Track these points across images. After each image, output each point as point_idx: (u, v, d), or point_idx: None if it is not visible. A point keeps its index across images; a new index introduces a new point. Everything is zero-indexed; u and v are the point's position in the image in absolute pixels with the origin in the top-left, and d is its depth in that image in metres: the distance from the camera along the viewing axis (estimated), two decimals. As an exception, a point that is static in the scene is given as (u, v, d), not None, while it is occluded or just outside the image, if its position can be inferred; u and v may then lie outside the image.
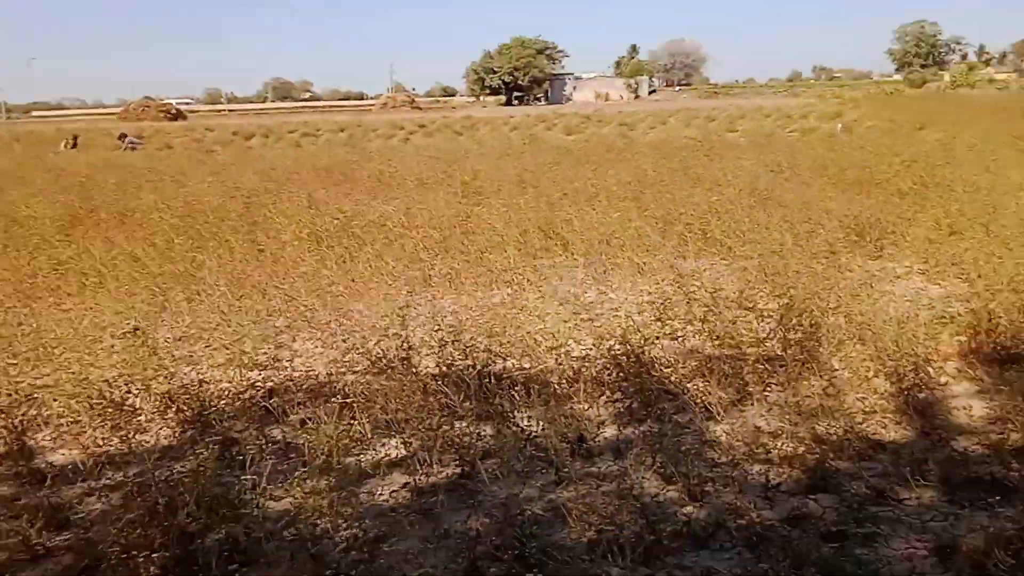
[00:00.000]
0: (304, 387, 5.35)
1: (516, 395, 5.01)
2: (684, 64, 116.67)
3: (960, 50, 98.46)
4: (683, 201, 9.97)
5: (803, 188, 10.59)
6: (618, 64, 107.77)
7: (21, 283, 7.92)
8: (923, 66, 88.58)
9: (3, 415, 4.87)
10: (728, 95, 77.93)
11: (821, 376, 5.28)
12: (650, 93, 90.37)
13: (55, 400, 5.02)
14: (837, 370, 5.39)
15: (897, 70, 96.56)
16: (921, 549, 3.51)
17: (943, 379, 5.28)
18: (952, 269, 7.16)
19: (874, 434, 4.62)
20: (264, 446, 4.52)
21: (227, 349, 5.88)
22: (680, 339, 6.03)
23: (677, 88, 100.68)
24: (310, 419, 4.86)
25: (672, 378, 5.36)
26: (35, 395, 5.07)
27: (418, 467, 4.34)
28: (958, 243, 7.52)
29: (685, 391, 5.17)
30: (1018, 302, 5.71)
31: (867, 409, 4.88)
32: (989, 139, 15.24)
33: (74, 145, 28.84)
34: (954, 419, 4.76)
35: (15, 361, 5.50)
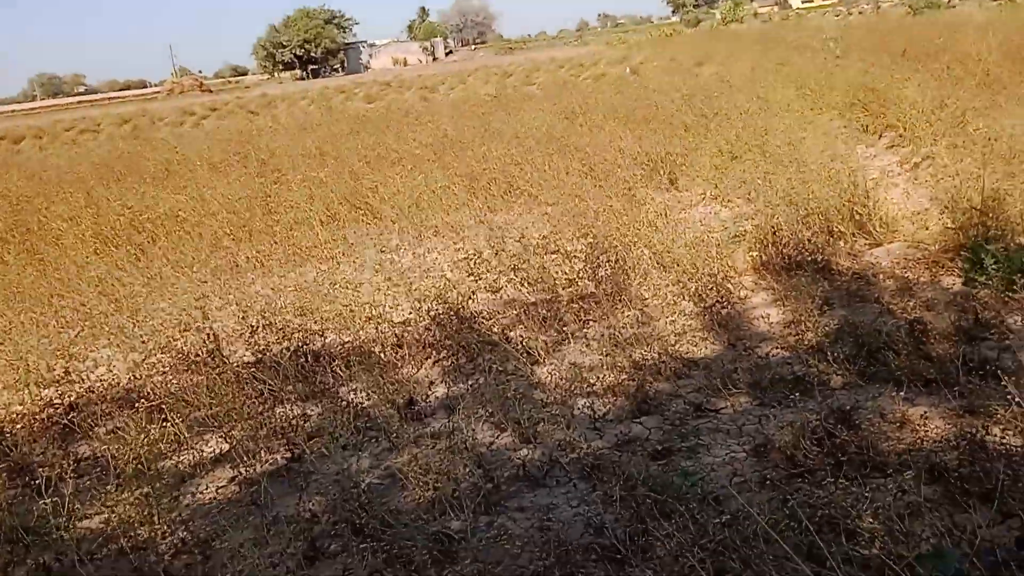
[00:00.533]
0: (107, 397, 4.93)
1: (338, 370, 4.86)
2: (475, 22, 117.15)
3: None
4: (485, 157, 10.01)
5: (597, 131, 10.93)
6: (411, 28, 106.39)
7: None
8: (696, 6, 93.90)
9: None
10: (523, 49, 79.14)
11: (632, 307, 5.50)
12: (447, 54, 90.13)
13: None
14: (647, 299, 5.64)
15: (673, 12, 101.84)
16: (740, 452, 3.75)
17: (742, 293, 5.65)
18: (737, 191, 7.65)
19: (687, 353, 4.87)
20: (67, 465, 4.12)
21: (13, 369, 5.30)
22: (497, 291, 6.10)
23: (473, 47, 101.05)
24: (119, 428, 4.49)
25: (494, 329, 5.40)
26: None
27: (243, 459, 4.12)
28: (739, 166, 8.05)
29: (507, 340, 5.23)
30: (795, 214, 6.19)
31: (678, 331, 5.15)
32: (757, 67, 16.40)
33: None
34: (755, 328, 5.11)
35: None
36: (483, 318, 5.51)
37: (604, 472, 3.66)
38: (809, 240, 5.93)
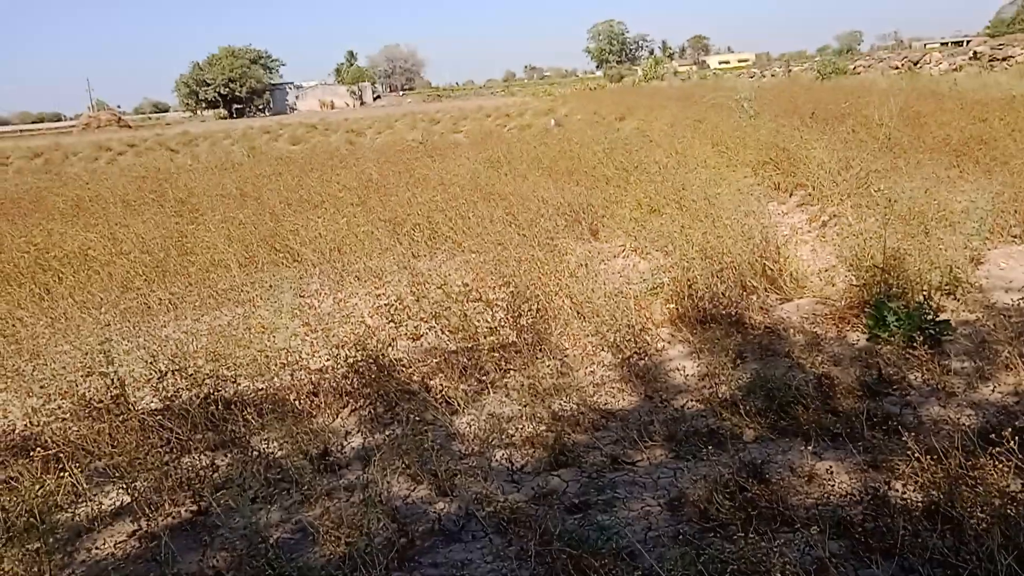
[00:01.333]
0: (1, 444, 4.64)
1: (250, 418, 4.70)
2: (404, 69, 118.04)
3: (647, 46, 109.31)
4: (410, 202, 10.00)
5: (521, 181, 11.06)
6: (339, 71, 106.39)
7: None
8: (619, 62, 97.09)
9: None
10: (450, 97, 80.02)
11: (553, 356, 5.52)
12: (375, 99, 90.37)
13: None
14: (566, 349, 5.67)
15: (597, 67, 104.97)
16: (655, 505, 3.76)
17: (659, 345, 5.74)
18: (655, 244, 7.82)
19: (605, 404, 4.90)
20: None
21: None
22: (418, 338, 6.04)
23: (401, 93, 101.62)
24: (12, 479, 4.21)
25: (414, 377, 5.33)
26: None
27: (145, 512, 3.92)
28: (658, 220, 8.24)
29: (427, 389, 5.17)
30: (710, 267, 6.35)
31: (596, 382, 5.19)
32: (676, 123, 16.95)
33: None
34: (671, 380, 5.18)
35: None
36: (403, 366, 5.43)
37: (520, 526, 3.62)
38: (723, 294, 6.09)
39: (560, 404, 4.84)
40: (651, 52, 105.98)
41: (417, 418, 4.72)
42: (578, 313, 6.02)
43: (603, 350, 5.59)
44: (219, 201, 11.51)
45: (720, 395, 4.81)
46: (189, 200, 11.92)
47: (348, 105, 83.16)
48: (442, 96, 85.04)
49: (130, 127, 65.57)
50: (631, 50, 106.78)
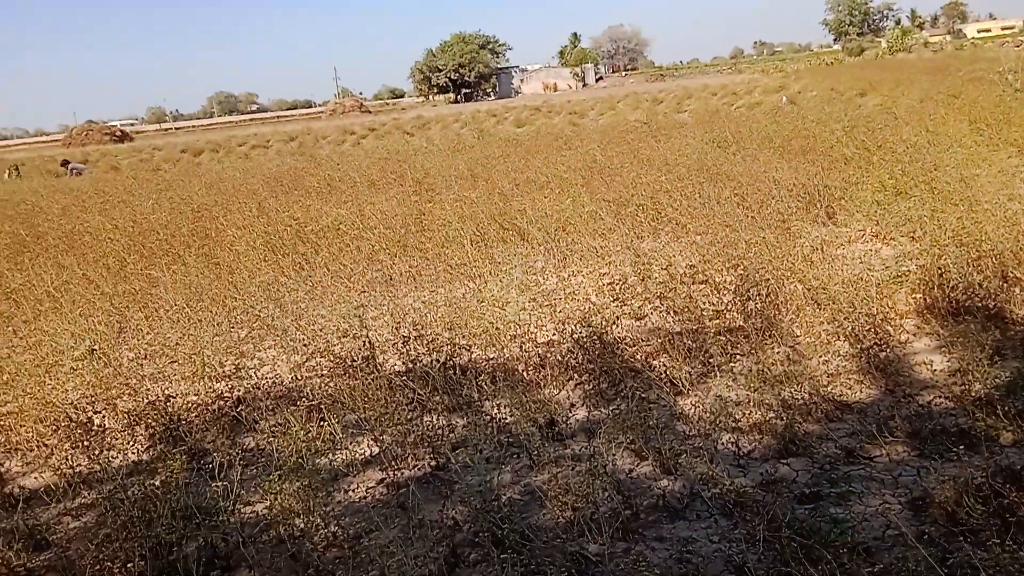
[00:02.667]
0: (271, 394, 5.29)
1: (483, 385, 5.00)
2: (627, 49, 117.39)
3: (893, 15, 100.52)
4: (634, 183, 10.02)
5: (751, 161, 10.70)
6: (562, 53, 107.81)
7: (-30, 315, 7.71)
8: (859, 34, 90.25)
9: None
10: (674, 76, 78.56)
11: (783, 343, 5.34)
12: (597, 80, 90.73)
13: (21, 425, 4.93)
14: (798, 336, 5.46)
15: (835, 40, 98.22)
16: (895, 504, 3.56)
17: (903, 337, 5.37)
18: (901, 229, 7.29)
19: (840, 396, 4.68)
20: (235, 454, 4.46)
21: (191, 363, 5.79)
22: (642, 318, 6.09)
23: (624, 73, 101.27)
24: (280, 424, 4.80)
25: (637, 356, 5.39)
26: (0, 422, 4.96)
27: (391, 462, 4.32)
28: (904, 203, 7.66)
29: (650, 368, 5.21)
30: (965, 255, 5.83)
31: (831, 372, 4.96)
32: (926, 99, 15.56)
33: (17, 174, 28.28)
34: (916, 375, 4.84)
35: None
36: (627, 344, 5.51)
37: (747, 510, 3.58)
38: (980, 284, 5.57)
39: (791, 392, 4.69)
40: (897, 22, 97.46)
41: (641, 395, 4.78)
42: (812, 299, 5.77)
43: (839, 339, 5.32)
44: (452, 181, 12.19)
45: (973, 393, 4.43)
46: (425, 180, 12.73)
47: (571, 87, 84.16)
48: (665, 75, 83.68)
49: (370, 112, 70.71)
50: (874, 20, 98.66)
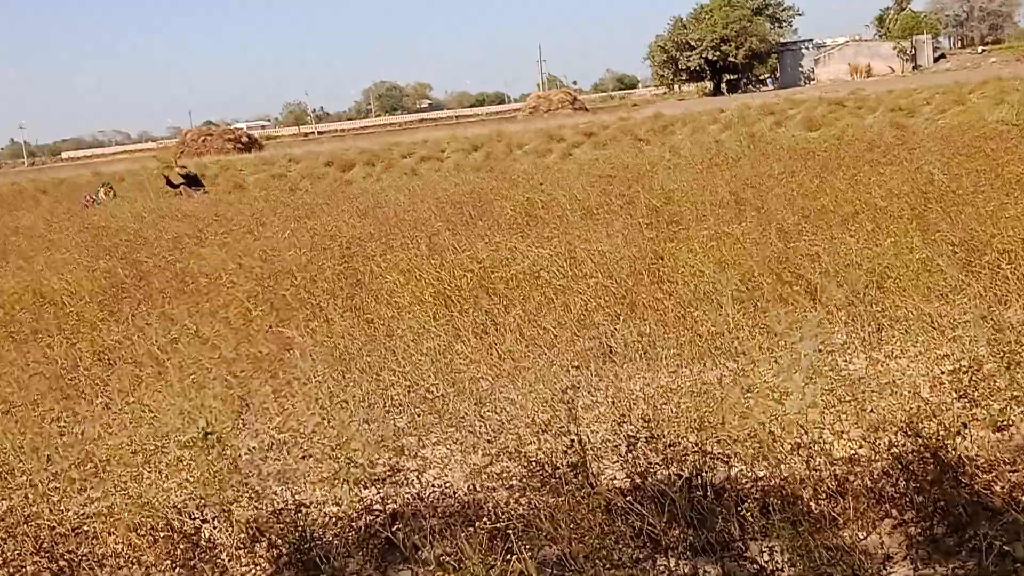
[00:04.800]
0: (439, 509, 5.52)
1: (748, 517, 4.95)
2: (986, 13, 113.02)
3: None
4: (995, 217, 9.61)
5: None
6: (881, 21, 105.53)
7: (58, 379, 8.65)
8: None
9: (45, 554, 5.32)
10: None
11: None
12: (937, 59, 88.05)
13: (110, 533, 5.46)
14: None
15: None
16: None
17: None
18: None
19: None
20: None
21: (332, 459, 6.17)
22: (1005, 428, 5.81)
23: (980, 49, 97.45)
24: (450, 554, 5.00)
25: (996, 488, 5.14)
26: (84, 526, 5.51)
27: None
28: None
29: (1018, 507, 4.94)
30: None
31: None
32: None
33: (112, 194, 31.55)
34: None
35: (57, 483, 6.01)
36: (978, 468, 5.26)
37: None
38: None
39: None
40: None
41: (1003, 548, 4.55)
42: None
43: None
44: (706, 210, 12.25)
45: None
46: (665, 208, 12.87)
47: (893, 70, 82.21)
48: (1047, 51, 79.62)
49: (586, 109, 72.71)
50: None
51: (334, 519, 5.57)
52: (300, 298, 10.27)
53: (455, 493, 5.72)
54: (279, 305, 10.15)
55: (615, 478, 5.59)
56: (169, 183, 31.78)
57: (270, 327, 9.41)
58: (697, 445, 5.61)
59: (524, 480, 5.57)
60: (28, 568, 5.35)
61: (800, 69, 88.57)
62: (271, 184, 33.56)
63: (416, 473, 6.05)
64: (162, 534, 5.36)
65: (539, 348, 8.10)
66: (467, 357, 7.98)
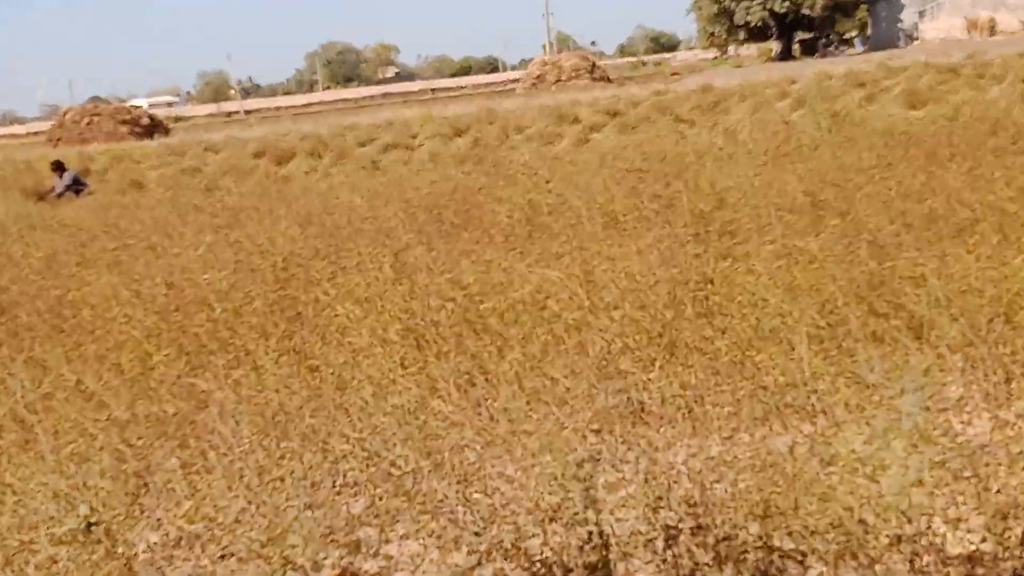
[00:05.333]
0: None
1: (830, 636, 4.94)
2: None
3: None
4: None
5: None
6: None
7: None
8: None
9: None
10: None
11: None
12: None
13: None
14: None
15: None
16: None
17: None
18: None
19: None
20: None
21: (261, 559, 6.11)
22: None
23: None
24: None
25: None
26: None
27: None
28: None
29: None
30: None
31: None
32: None
33: None
34: None
35: None
36: None
37: None
38: None
39: None
40: None
41: None
42: None
43: None
44: (771, 217, 12.20)
45: None
46: (717, 215, 12.83)
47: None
48: None
49: (609, 80, 72.75)
50: None
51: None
52: (219, 338, 10.18)
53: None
54: (190, 347, 10.07)
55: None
56: (56, 167, 31.69)
57: (178, 377, 9.32)
58: (761, 539, 5.58)
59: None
60: None
61: (899, 25, 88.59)
62: (181, 181, 33.45)
63: (383, 576, 6.02)
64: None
65: (545, 405, 8.03)
66: (447, 418, 7.90)
